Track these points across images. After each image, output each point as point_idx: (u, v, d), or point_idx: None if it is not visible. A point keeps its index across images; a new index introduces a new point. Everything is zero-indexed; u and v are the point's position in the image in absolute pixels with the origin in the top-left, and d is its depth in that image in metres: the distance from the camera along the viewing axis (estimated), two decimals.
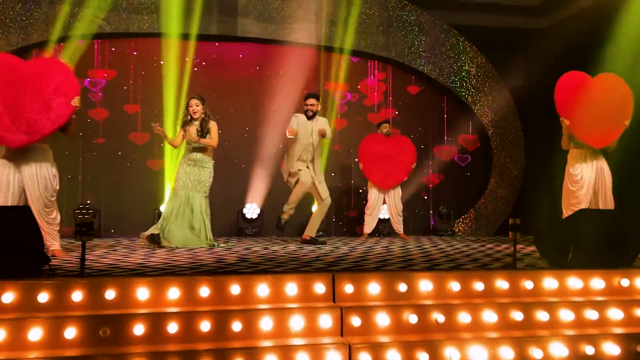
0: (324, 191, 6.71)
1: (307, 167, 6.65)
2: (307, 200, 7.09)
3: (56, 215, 4.97)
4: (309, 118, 6.68)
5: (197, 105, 6.18)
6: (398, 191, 7.81)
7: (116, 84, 8.37)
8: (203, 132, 6.14)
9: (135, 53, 8.44)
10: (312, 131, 6.62)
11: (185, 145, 6.25)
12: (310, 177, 6.60)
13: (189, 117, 6.20)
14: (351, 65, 9.06)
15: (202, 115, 6.19)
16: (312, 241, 6.62)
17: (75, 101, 4.95)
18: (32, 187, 4.78)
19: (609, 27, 7.54)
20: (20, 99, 4.83)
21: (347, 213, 9.00)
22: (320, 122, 6.73)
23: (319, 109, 6.83)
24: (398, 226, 7.84)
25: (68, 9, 7.85)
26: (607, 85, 5.95)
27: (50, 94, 4.91)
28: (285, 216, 6.62)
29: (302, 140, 6.60)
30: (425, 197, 9.27)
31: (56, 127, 4.91)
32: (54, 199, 4.94)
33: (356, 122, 9.07)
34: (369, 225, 7.77)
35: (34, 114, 4.82)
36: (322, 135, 6.58)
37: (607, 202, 5.81)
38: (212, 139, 6.19)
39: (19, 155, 4.80)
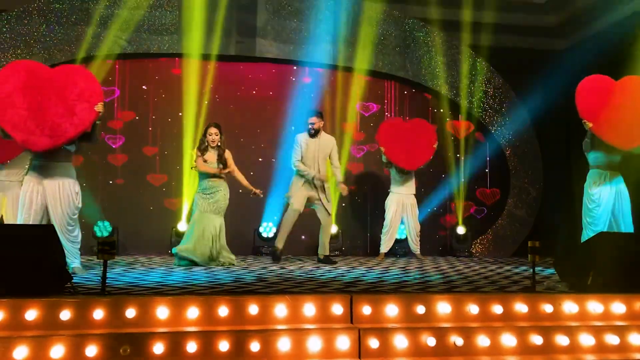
0: (329, 207, 6.82)
1: (311, 187, 6.71)
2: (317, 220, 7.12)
3: (78, 234, 5.05)
4: (312, 136, 6.75)
5: (217, 135, 6.28)
6: (416, 210, 7.81)
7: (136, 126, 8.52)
8: (221, 160, 6.26)
9: (156, 77, 8.58)
10: (316, 148, 6.71)
11: (199, 174, 6.32)
12: (301, 205, 6.70)
13: (206, 144, 6.28)
14: (367, 85, 9.13)
15: (219, 144, 6.29)
16: (325, 260, 6.69)
17: (99, 107, 5.04)
18: (55, 204, 4.87)
19: (625, 48, 7.54)
20: (45, 103, 4.92)
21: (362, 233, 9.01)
22: (325, 140, 6.80)
23: (321, 125, 6.86)
24: (415, 246, 7.82)
25: (91, 30, 8.06)
26: (632, 88, 5.87)
27: (73, 99, 5.00)
28: (279, 245, 6.70)
29: (307, 160, 6.71)
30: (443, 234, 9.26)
31: (79, 131, 4.98)
32: (76, 216, 5.02)
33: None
34: (385, 245, 7.76)
35: (57, 118, 4.90)
36: (333, 165, 6.82)
37: (626, 224, 5.77)
38: (233, 168, 6.37)
39: (43, 172, 4.90)
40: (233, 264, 6.22)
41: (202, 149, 6.29)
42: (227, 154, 6.37)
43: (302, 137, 6.78)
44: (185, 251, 6.05)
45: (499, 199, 9.42)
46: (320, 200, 6.74)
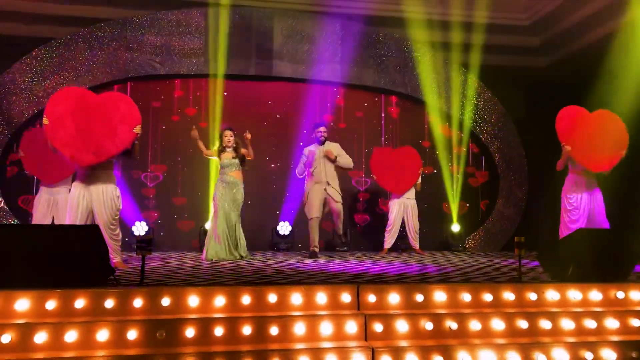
0: (338, 195, 6.84)
1: (320, 191, 6.73)
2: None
3: (119, 232, 5.12)
4: (322, 143, 6.86)
5: (231, 136, 6.34)
6: (415, 211, 7.82)
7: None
8: (237, 157, 6.32)
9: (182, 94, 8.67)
10: (322, 154, 6.80)
11: (220, 168, 6.39)
12: (318, 211, 6.73)
13: (222, 146, 6.35)
14: (371, 101, 9.17)
15: (234, 144, 6.34)
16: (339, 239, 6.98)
17: (137, 129, 5.13)
18: (99, 206, 4.95)
19: (601, 66, 7.52)
20: (91, 125, 5.01)
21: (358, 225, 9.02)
22: (330, 146, 6.88)
23: (327, 135, 6.97)
24: (415, 242, 7.83)
25: (128, 53, 8.18)
26: (604, 119, 5.99)
27: (116, 122, 5.09)
28: (315, 249, 6.75)
29: (315, 163, 6.79)
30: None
31: (120, 150, 5.08)
32: (117, 217, 5.09)
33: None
34: (388, 242, 7.78)
35: (101, 138, 5.00)
36: (331, 159, 6.76)
37: (601, 222, 5.77)
38: (250, 153, 6.40)
39: (88, 179, 4.99)
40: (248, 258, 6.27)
41: (220, 151, 6.36)
42: (243, 150, 6.39)
43: (308, 149, 6.95)
44: (215, 255, 6.09)
45: (488, 172, 9.43)
46: (330, 196, 6.76)
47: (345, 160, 6.95)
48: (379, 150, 8.17)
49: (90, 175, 4.99)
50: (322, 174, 6.77)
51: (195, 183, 8.44)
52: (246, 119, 8.55)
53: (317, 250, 6.77)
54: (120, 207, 5.13)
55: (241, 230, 6.35)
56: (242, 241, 6.35)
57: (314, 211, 6.71)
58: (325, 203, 6.82)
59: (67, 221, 5.03)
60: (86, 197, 4.95)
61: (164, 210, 8.36)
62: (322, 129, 6.94)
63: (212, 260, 6.02)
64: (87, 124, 5.00)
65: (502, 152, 9.30)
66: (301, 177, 7.11)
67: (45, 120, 4.94)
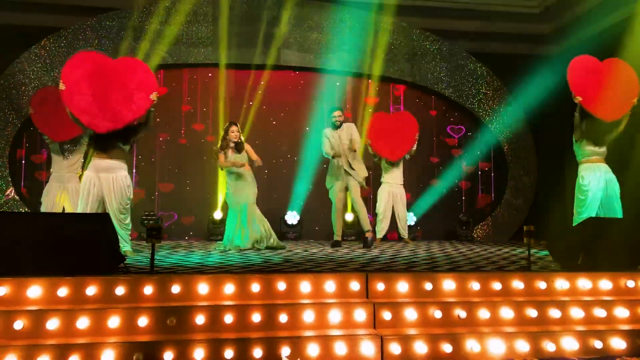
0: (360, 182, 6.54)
1: (342, 177, 6.49)
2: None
3: (129, 221, 5.14)
4: (337, 128, 6.59)
5: (238, 132, 6.28)
6: (404, 199, 7.70)
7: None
8: (238, 150, 6.21)
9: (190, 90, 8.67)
10: (340, 138, 6.51)
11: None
12: (342, 200, 6.55)
13: (227, 141, 6.22)
14: (379, 88, 9.12)
15: (239, 140, 6.26)
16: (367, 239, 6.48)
17: (153, 96, 5.09)
18: (110, 195, 4.96)
19: (614, 53, 7.41)
20: (107, 91, 4.97)
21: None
22: (347, 127, 6.59)
23: (342, 119, 6.65)
24: (403, 232, 7.76)
25: (136, 43, 8.17)
26: (616, 68, 5.89)
27: (132, 88, 5.04)
28: (338, 238, 6.62)
29: (334, 148, 6.52)
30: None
31: (136, 117, 5.05)
32: (128, 206, 5.10)
33: None
34: (380, 232, 7.64)
35: (117, 105, 4.96)
36: (353, 147, 6.52)
37: (614, 211, 5.70)
38: (256, 158, 6.27)
39: (100, 168, 4.99)
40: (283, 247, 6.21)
41: (224, 147, 6.23)
42: (247, 146, 6.31)
43: (328, 131, 6.64)
44: (231, 246, 6.08)
45: (497, 160, 9.36)
46: (350, 183, 6.50)
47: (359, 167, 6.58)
48: (375, 116, 8.00)
49: (102, 163, 5.00)
50: (343, 159, 6.50)
51: (204, 174, 8.47)
52: (254, 108, 8.55)
53: (339, 239, 6.62)
54: (131, 196, 5.15)
55: (263, 219, 6.24)
56: (264, 231, 6.21)
57: (339, 200, 6.56)
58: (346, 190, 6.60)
59: (78, 209, 5.05)
60: (97, 185, 4.96)
61: (172, 201, 8.40)
62: (336, 113, 6.64)
63: (229, 250, 6.02)
64: (104, 90, 4.96)
65: (510, 141, 9.23)
66: (327, 157, 6.72)
67: (61, 85, 4.89)
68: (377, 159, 7.75)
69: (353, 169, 6.47)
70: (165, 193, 8.42)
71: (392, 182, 7.68)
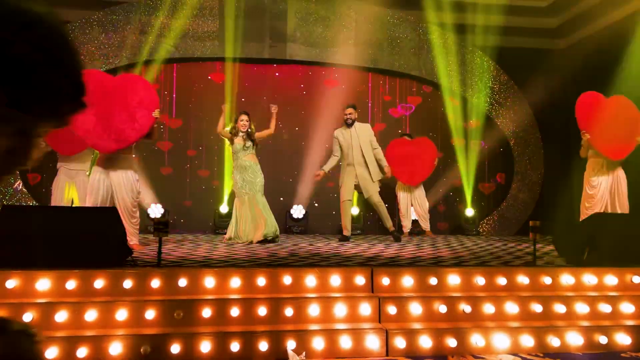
0: (374, 187, 6.55)
1: (355, 174, 6.50)
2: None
3: (138, 216, 5.19)
4: (349, 126, 6.61)
5: (247, 121, 6.29)
6: (422, 193, 7.86)
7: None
8: (251, 139, 6.23)
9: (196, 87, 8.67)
10: (351, 136, 6.53)
11: (233, 154, 6.33)
12: (349, 194, 6.57)
13: (236, 130, 6.26)
14: (385, 82, 9.10)
15: (249, 129, 6.30)
16: (394, 233, 6.59)
17: (156, 113, 5.14)
18: (119, 190, 5.02)
19: (622, 47, 7.37)
20: (110, 110, 4.99)
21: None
22: (360, 128, 6.60)
23: (356, 117, 6.66)
24: (425, 224, 7.86)
25: (142, 37, 8.19)
26: (620, 106, 5.96)
27: (134, 106, 5.08)
28: (345, 233, 6.65)
29: (344, 148, 6.57)
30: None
31: (140, 135, 5.10)
32: (137, 201, 5.15)
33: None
34: (405, 226, 7.87)
35: (121, 124, 5.00)
36: (374, 148, 6.58)
37: (622, 206, 5.70)
38: (264, 133, 6.33)
39: (109, 163, 5.04)
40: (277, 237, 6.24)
41: (233, 133, 6.28)
42: (257, 134, 6.31)
43: (338, 131, 6.65)
44: (236, 237, 6.14)
45: (503, 155, 9.33)
46: (360, 184, 6.53)
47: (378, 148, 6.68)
48: (395, 142, 8.05)
49: (111, 159, 5.05)
50: (350, 157, 6.54)
51: (210, 166, 8.50)
52: (259, 101, 8.56)
53: (347, 234, 6.65)
54: (140, 191, 5.20)
55: (268, 212, 6.24)
56: (268, 223, 6.21)
57: (345, 194, 6.58)
58: (356, 189, 6.64)
59: (87, 204, 5.10)
60: (106, 182, 5.02)
61: (178, 192, 8.44)
62: (348, 110, 6.62)
63: (233, 241, 6.08)
64: (106, 110, 5.00)
65: (517, 136, 9.20)
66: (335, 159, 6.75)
67: None
68: None
69: (366, 177, 6.49)
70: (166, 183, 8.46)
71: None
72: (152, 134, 5.27)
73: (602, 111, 5.85)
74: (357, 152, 6.53)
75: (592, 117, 5.79)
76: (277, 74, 8.89)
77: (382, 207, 6.56)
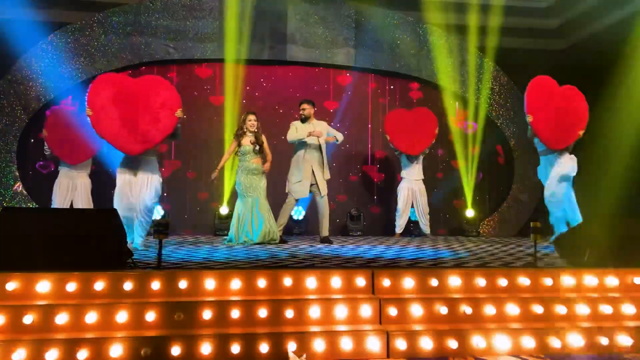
0: (323, 189, 6.53)
1: (312, 171, 6.46)
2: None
3: (151, 219, 5.24)
4: (303, 121, 6.57)
5: (256, 121, 6.30)
6: (424, 195, 7.83)
7: None
8: (257, 143, 6.25)
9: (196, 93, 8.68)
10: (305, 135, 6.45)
11: (240, 155, 6.33)
12: (300, 195, 6.52)
13: (244, 129, 6.28)
14: (385, 84, 9.11)
15: (256, 130, 6.31)
16: (327, 240, 6.53)
17: (179, 113, 5.20)
18: (143, 190, 5.09)
19: (619, 48, 7.38)
20: (134, 113, 5.06)
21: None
22: (317, 125, 6.57)
23: (312, 112, 6.61)
24: (426, 227, 7.83)
25: (142, 38, 8.19)
26: (570, 96, 5.97)
27: (158, 107, 5.14)
28: (280, 233, 6.48)
29: (301, 146, 6.52)
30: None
31: (164, 136, 5.17)
32: (157, 203, 5.27)
33: None
34: (399, 227, 7.81)
35: (145, 126, 5.06)
36: (333, 139, 6.56)
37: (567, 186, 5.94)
38: (267, 153, 6.35)
39: (134, 165, 5.13)
40: (277, 242, 6.24)
41: (239, 134, 6.27)
42: (264, 138, 6.33)
43: (298, 123, 6.60)
44: (238, 240, 6.14)
45: (504, 155, 9.32)
46: (317, 182, 6.48)
47: (335, 134, 6.62)
48: (393, 113, 8.14)
49: (137, 161, 5.13)
50: (312, 154, 6.48)
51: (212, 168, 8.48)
52: (259, 103, 8.56)
53: (325, 236, 6.61)
54: (160, 193, 5.31)
55: (269, 215, 6.24)
56: (274, 225, 6.25)
57: (297, 194, 6.51)
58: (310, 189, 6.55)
59: (114, 206, 5.09)
60: (131, 184, 5.12)
61: (178, 193, 8.43)
62: (304, 105, 6.57)
63: (233, 243, 6.08)
64: (130, 112, 5.06)
65: (517, 137, 9.19)
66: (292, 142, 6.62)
67: (88, 111, 5.00)
68: (398, 152, 7.83)
69: (322, 174, 6.50)
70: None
71: (411, 178, 7.80)
72: (176, 133, 5.34)
73: (551, 98, 5.85)
74: (312, 149, 6.48)
75: (540, 102, 5.80)
76: (276, 75, 8.88)
77: (325, 211, 6.61)
